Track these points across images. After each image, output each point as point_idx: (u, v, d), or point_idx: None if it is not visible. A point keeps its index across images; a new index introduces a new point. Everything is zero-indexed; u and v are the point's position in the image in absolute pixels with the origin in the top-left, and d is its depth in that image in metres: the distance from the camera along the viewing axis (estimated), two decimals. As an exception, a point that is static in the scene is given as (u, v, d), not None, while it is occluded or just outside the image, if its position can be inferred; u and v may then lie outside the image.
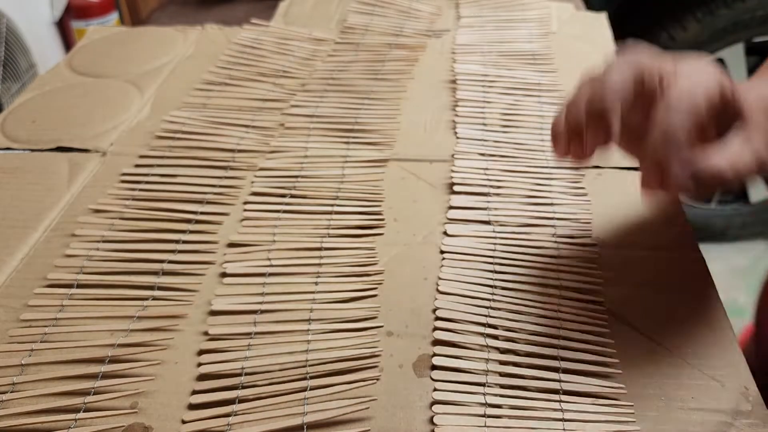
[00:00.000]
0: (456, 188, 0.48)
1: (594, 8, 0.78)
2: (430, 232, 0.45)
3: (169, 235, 0.44)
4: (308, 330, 0.38)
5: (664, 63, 0.34)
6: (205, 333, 0.38)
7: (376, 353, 0.36)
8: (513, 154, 0.52)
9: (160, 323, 0.38)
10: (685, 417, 0.33)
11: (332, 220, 0.46)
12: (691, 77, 0.32)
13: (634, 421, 0.32)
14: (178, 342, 0.37)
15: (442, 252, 0.43)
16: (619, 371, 0.35)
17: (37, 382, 0.35)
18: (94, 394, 0.34)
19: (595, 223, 0.45)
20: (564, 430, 0.32)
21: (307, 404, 0.34)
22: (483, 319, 0.38)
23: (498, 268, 0.41)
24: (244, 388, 0.34)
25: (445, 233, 0.45)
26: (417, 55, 0.67)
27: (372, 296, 0.40)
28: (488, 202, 0.47)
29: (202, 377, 0.35)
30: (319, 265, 0.42)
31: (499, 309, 0.38)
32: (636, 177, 0.50)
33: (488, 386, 0.34)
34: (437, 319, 0.38)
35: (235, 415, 0.33)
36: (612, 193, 0.48)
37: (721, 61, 1.33)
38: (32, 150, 0.54)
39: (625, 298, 0.39)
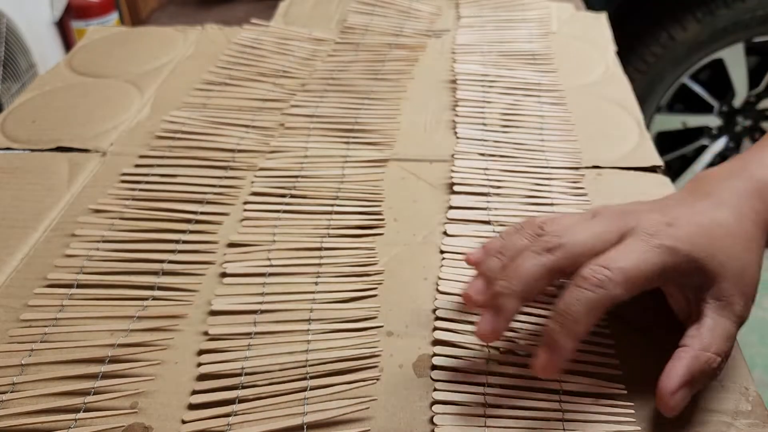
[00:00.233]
0: (456, 188, 0.48)
1: (594, 8, 0.78)
2: (430, 232, 0.45)
3: (169, 235, 0.44)
4: (308, 330, 0.38)
5: (604, 243, 0.32)
6: (205, 333, 0.38)
7: (376, 353, 0.36)
8: (513, 154, 0.52)
9: (160, 323, 0.38)
10: (684, 417, 0.33)
11: (332, 220, 0.46)
12: (623, 262, 0.31)
13: (634, 421, 0.32)
14: (178, 342, 0.37)
15: (442, 252, 0.43)
16: (619, 371, 0.35)
17: (37, 382, 0.35)
18: (94, 394, 0.34)
19: (595, 223, 0.45)
20: (564, 430, 0.32)
21: (307, 404, 0.34)
22: (483, 319, 0.38)
23: (498, 268, 0.41)
24: (244, 388, 0.34)
25: (445, 233, 0.45)
26: (417, 55, 0.67)
27: (372, 296, 0.40)
28: (488, 202, 0.47)
29: (202, 377, 0.35)
30: (319, 265, 0.42)
31: (499, 309, 0.38)
32: (636, 177, 0.50)
33: (488, 386, 0.34)
34: (437, 319, 0.38)
35: (235, 415, 0.33)
36: (612, 193, 0.48)
37: (720, 61, 1.33)
38: (32, 150, 0.54)
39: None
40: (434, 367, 0.35)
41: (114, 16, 1.33)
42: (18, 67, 1.13)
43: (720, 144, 1.44)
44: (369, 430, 0.33)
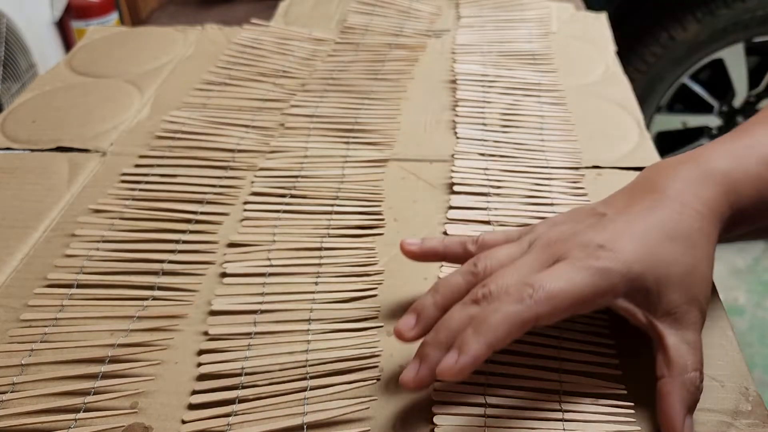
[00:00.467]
0: (456, 188, 0.48)
1: (594, 8, 0.78)
2: (429, 232, 0.45)
3: (169, 235, 0.44)
4: (308, 330, 0.38)
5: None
6: (205, 333, 0.38)
7: (376, 353, 0.36)
8: (513, 154, 0.52)
9: (160, 323, 0.38)
10: (685, 417, 0.33)
11: (332, 220, 0.46)
12: (547, 283, 0.31)
13: (634, 421, 0.32)
14: (178, 342, 0.37)
15: (447, 236, 0.43)
16: (619, 371, 0.35)
17: (37, 382, 0.35)
18: (94, 394, 0.34)
19: (595, 223, 0.45)
20: (564, 430, 0.32)
21: (307, 404, 0.34)
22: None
23: (498, 268, 0.41)
24: (244, 388, 0.34)
25: (445, 233, 0.45)
26: (417, 55, 0.67)
27: (372, 296, 0.40)
28: (488, 202, 0.47)
29: (202, 377, 0.35)
30: (319, 265, 0.42)
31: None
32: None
33: (488, 386, 0.34)
34: (437, 319, 0.38)
35: (235, 415, 0.33)
36: (612, 193, 0.48)
37: (721, 61, 1.33)
38: (32, 150, 0.54)
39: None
40: (434, 367, 0.35)
41: (114, 16, 1.33)
42: (18, 67, 1.13)
43: (720, 144, 1.44)
44: (369, 430, 0.33)
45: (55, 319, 0.39)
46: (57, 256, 0.43)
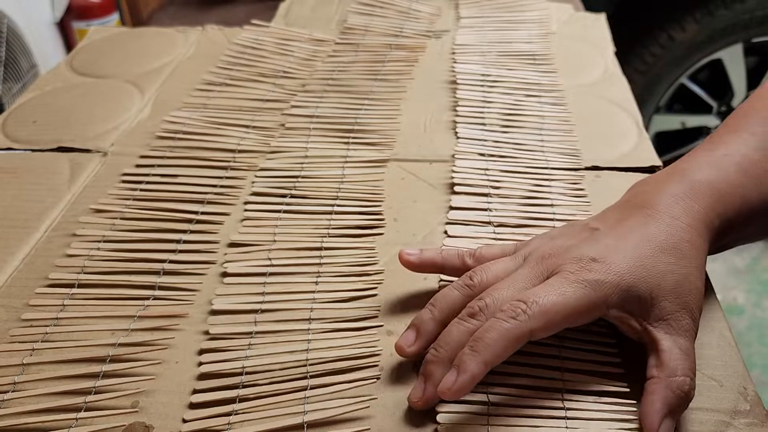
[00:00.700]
0: (456, 188, 0.48)
1: (593, 9, 0.78)
2: (429, 232, 0.45)
3: (169, 235, 0.45)
4: (308, 329, 0.38)
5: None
6: (206, 332, 0.38)
7: (376, 352, 0.36)
8: (513, 154, 0.52)
9: (160, 323, 0.39)
10: (683, 416, 0.33)
11: (332, 220, 0.46)
12: (540, 298, 0.31)
13: (636, 419, 0.32)
14: (178, 341, 0.38)
15: (445, 248, 0.43)
16: (621, 370, 0.35)
17: (38, 381, 0.35)
18: (95, 394, 0.34)
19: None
20: (567, 428, 0.32)
21: (308, 403, 0.34)
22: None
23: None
24: (244, 387, 0.35)
25: (445, 233, 0.45)
26: (417, 56, 0.67)
27: (372, 296, 0.40)
28: (488, 202, 0.47)
29: (203, 376, 0.35)
30: (320, 264, 0.42)
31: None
32: (635, 178, 0.50)
33: (490, 385, 0.34)
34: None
35: (235, 414, 0.33)
36: (611, 194, 0.48)
37: (719, 61, 1.33)
38: (33, 150, 0.55)
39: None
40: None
41: (115, 17, 1.33)
42: (19, 68, 1.13)
43: (719, 144, 1.44)
44: (369, 429, 0.33)
45: (56, 318, 0.39)
46: (58, 256, 0.43)
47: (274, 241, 0.44)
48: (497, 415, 0.33)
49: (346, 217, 0.46)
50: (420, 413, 0.33)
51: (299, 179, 0.50)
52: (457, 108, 0.58)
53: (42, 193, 0.49)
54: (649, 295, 0.33)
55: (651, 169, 0.50)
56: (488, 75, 0.62)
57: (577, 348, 0.36)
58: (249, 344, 0.37)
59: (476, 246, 0.40)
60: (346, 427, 0.33)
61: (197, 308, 0.40)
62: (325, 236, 0.45)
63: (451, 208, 0.47)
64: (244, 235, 0.45)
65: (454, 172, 0.50)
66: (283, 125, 0.56)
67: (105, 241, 0.44)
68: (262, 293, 0.40)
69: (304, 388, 0.34)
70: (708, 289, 0.40)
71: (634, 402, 0.33)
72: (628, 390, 0.34)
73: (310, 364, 0.36)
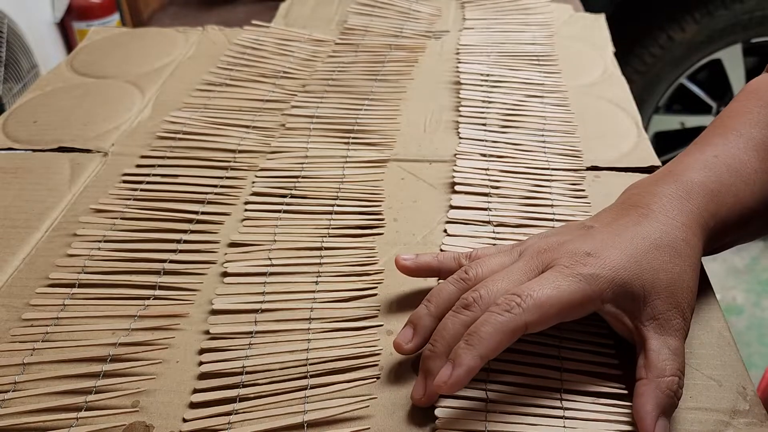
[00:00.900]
0: (457, 188, 0.48)
1: (592, 9, 0.79)
2: (429, 232, 0.45)
3: (170, 235, 0.45)
4: (308, 329, 0.38)
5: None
6: (206, 332, 0.38)
7: (376, 352, 0.36)
8: (514, 154, 0.52)
9: (161, 322, 0.39)
10: (683, 416, 0.33)
11: (332, 220, 0.46)
12: (534, 291, 0.31)
13: (632, 421, 0.33)
14: (179, 341, 0.38)
15: (441, 252, 0.43)
16: (619, 371, 0.35)
17: (39, 381, 0.35)
18: (95, 393, 0.34)
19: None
20: (564, 427, 0.32)
21: (308, 403, 0.34)
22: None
23: (497, 267, 0.42)
24: (244, 386, 0.35)
25: (445, 232, 0.45)
26: (417, 56, 0.67)
27: (372, 295, 0.40)
28: (489, 202, 0.47)
29: (203, 376, 0.35)
30: (320, 264, 0.42)
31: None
32: (634, 178, 0.50)
33: (489, 384, 0.34)
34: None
35: (236, 414, 0.33)
36: (611, 194, 0.48)
37: (719, 62, 1.33)
38: (34, 150, 0.55)
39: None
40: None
41: (115, 17, 1.33)
42: (20, 68, 1.13)
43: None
44: (369, 428, 0.33)
45: (57, 318, 0.39)
46: (59, 256, 0.43)
47: (275, 241, 0.44)
48: (495, 411, 0.33)
49: (346, 217, 0.46)
50: (420, 412, 0.33)
51: (299, 179, 0.50)
52: (461, 107, 0.58)
53: (42, 193, 0.49)
54: (642, 293, 0.33)
55: (650, 169, 0.50)
56: (492, 75, 0.62)
57: (576, 348, 0.36)
58: (249, 344, 0.37)
59: (474, 247, 0.40)
60: (346, 427, 0.33)
61: (197, 308, 0.40)
62: (325, 236, 0.45)
63: (451, 207, 0.47)
64: (244, 235, 0.45)
65: (455, 171, 0.50)
66: (283, 125, 0.56)
67: (105, 241, 0.44)
68: (263, 293, 0.40)
69: (304, 388, 0.35)
70: (707, 288, 0.40)
71: (631, 404, 0.33)
72: (626, 392, 0.34)
73: (310, 364, 0.36)
